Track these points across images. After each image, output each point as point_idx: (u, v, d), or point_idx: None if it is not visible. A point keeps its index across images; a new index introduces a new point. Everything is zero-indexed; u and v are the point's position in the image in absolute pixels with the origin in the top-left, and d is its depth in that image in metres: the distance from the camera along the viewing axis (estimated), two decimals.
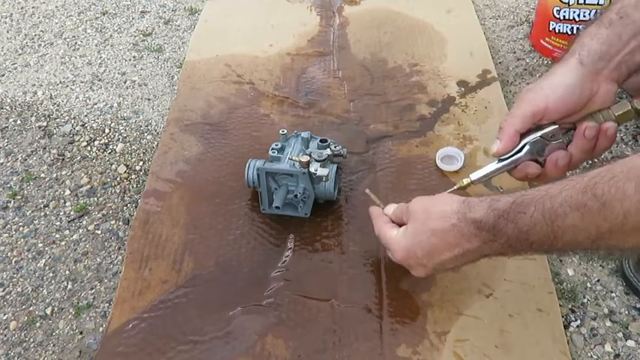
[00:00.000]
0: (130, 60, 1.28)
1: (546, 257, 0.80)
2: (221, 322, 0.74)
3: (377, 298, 0.76)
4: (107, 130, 1.10)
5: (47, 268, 0.87)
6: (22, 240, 0.91)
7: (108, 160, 1.04)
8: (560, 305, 0.75)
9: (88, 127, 1.11)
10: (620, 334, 0.75)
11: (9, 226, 0.94)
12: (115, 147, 1.07)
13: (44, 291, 0.84)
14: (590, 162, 0.97)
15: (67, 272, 0.86)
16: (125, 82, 1.22)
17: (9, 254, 0.89)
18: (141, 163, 1.03)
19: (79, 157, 1.05)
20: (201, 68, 1.17)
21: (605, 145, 0.67)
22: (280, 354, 0.70)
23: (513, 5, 1.39)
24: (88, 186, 0.99)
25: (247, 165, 0.86)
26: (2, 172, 1.03)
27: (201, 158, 0.97)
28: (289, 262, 0.80)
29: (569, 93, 0.65)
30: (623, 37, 0.64)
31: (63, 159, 1.05)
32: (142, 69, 1.25)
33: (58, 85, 1.22)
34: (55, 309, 0.82)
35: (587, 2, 1.12)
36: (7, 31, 1.40)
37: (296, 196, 0.82)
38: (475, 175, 0.71)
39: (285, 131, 0.86)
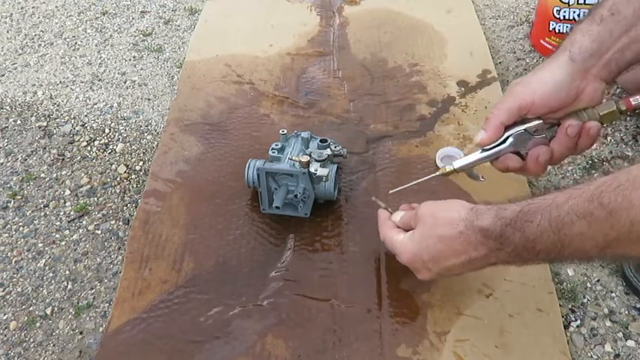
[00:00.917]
0: (130, 60, 1.28)
1: None
2: (221, 322, 0.74)
3: (377, 298, 0.76)
4: (107, 130, 1.10)
5: (47, 268, 0.87)
6: (22, 240, 0.91)
7: (108, 160, 1.04)
8: (560, 305, 0.75)
9: (88, 127, 1.11)
10: (620, 334, 0.75)
11: (9, 226, 0.94)
12: (115, 147, 1.07)
13: (44, 291, 0.84)
14: (590, 162, 0.97)
15: (67, 272, 0.86)
16: (125, 82, 1.22)
17: (9, 254, 0.89)
18: (141, 163, 1.03)
19: (79, 157, 1.05)
20: (201, 68, 1.17)
21: (586, 143, 0.67)
22: (280, 354, 0.70)
23: (513, 5, 1.39)
24: (88, 186, 0.99)
25: (247, 165, 0.86)
26: (2, 172, 1.03)
27: (201, 158, 0.97)
28: (289, 262, 0.80)
29: (557, 89, 0.65)
30: (614, 33, 0.64)
31: (63, 159, 1.05)
32: (142, 69, 1.25)
33: (58, 85, 1.22)
34: (55, 309, 0.82)
35: (587, 2, 1.12)
36: (7, 31, 1.40)
37: (296, 196, 0.82)
38: (458, 164, 0.71)
39: (285, 131, 0.86)
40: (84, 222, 0.93)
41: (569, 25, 1.15)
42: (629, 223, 0.49)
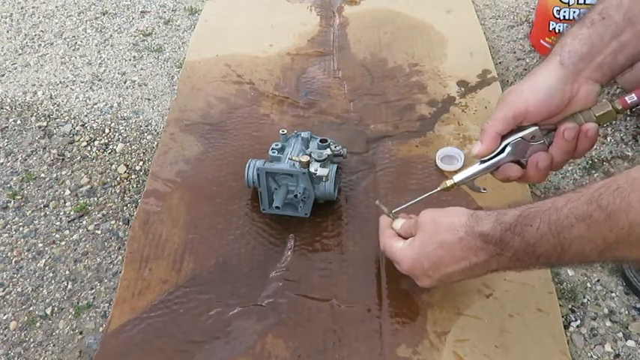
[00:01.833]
0: (130, 60, 1.28)
1: None
2: (221, 322, 0.74)
3: (377, 298, 0.76)
4: (107, 130, 1.10)
5: (47, 268, 0.87)
6: (22, 240, 0.91)
7: (108, 160, 1.04)
8: (560, 305, 0.75)
9: (88, 127, 1.11)
10: (620, 334, 0.75)
11: (9, 226, 0.94)
12: (115, 147, 1.07)
13: (44, 291, 0.84)
14: (590, 162, 0.97)
15: (67, 272, 0.86)
16: (125, 82, 1.22)
17: (9, 254, 0.89)
18: (141, 163, 1.03)
19: (79, 157, 1.05)
20: (201, 68, 1.17)
21: (586, 146, 0.67)
22: (280, 354, 0.70)
23: (513, 5, 1.39)
24: (88, 186, 0.99)
25: (247, 165, 0.86)
26: (2, 172, 1.03)
27: (201, 158, 0.97)
28: (289, 262, 0.80)
29: (550, 95, 0.65)
30: (605, 37, 0.64)
31: (63, 159, 1.05)
32: (142, 69, 1.25)
33: (58, 85, 1.22)
34: (55, 309, 0.82)
35: (587, 2, 1.12)
36: (7, 31, 1.40)
37: (296, 196, 0.82)
38: (458, 177, 0.71)
39: (285, 131, 0.86)
40: (84, 222, 0.93)
41: (568, 26, 1.15)
42: (628, 226, 0.49)
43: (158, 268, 0.80)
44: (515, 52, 1.24)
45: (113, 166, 1.03)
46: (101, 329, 0.78)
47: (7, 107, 1.17)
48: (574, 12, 1.14)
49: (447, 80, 1.11)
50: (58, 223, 0.93)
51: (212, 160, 0.96)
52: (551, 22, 1.16)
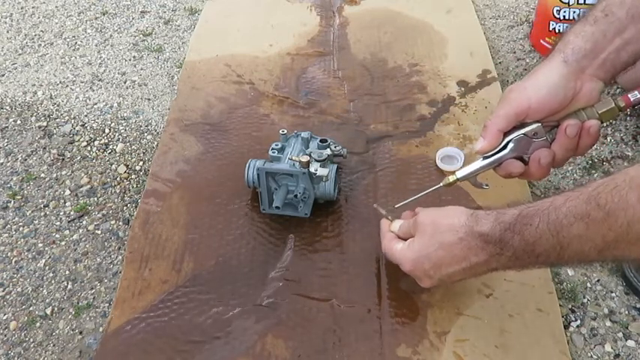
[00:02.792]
0: (130, 60, 1.28)
1: None
2: (221, 322, 0.74)
3: (377, 298, 0.76)
4: (107, 130, 1.10)
5: (47, 268, 0.87)
6: (22, 240, 0.91)
7: (108, 160, 1.04)
8: (560, 305, 0.75)
9: (88, 127, 1.11)
10: (620, 334, 0.75)
11: (9, 226, 0.94)
12: (115, 147, 1.07)
13: (44, 291, 0.84)
14: (590, 162, 0.97)
15: (67, 272, 0.86)
16: (125, 82, 1.22)
17: (9, 254, 0.89)
18: (141, 163, 1.03)
19: (79, 157, 1.05)
20: (201, 68, 1.17)
21: (588, 142, 0.67)
22: (280, 354, 0.70)
23: (513, 5, 1.39)
24: (88, 186, 0.99)
25: (247, 165, 0.86)
26: (2, 172, 1.03)
27: (201, 158, 0.97)
28: (289, 262, 0.80)
29: (553, 93, 0.65)
30: (608, 34, 0.64)
31: (63, 159, 1.05)
32: (142, 69, 1.25)
33: (58, 85, 1.22)
34: (55, 309, 0.82)
35: (587, 2, 1.12)
36: (7, 31, 1.40)
37: (296, 196, 0.82)
38: (461, 173, 0.71)
39: (285, 131, 0.86)
40: (84, 222, 0.93)
41: (569, 25, 1.15)
42: (627, 224, 0.49)
43: (158, 268, 0.80)
44: (515, 52, 1.24)
45: (113, 166, 1.03)
46: (101, 329, 0.78)
47: (7, 107, 1.17)
48: (574, 12, 1.14)
49: (447, 80, 1.11)
50: (58, 223, 0.93)
51: (212, 160, 0.96)
52: (551, 22, 1.16)
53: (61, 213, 0.95)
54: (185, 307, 0.76)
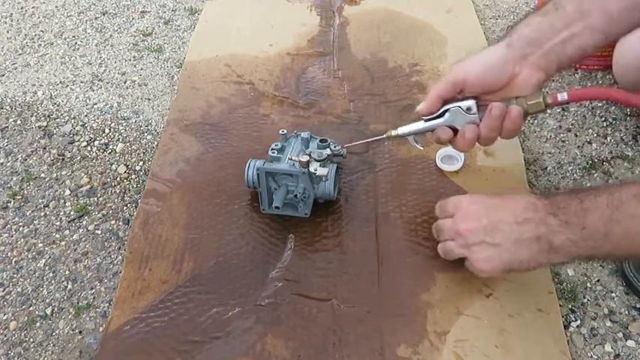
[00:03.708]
0: (130, 60, 1.28)
1: None
2: (221, 322, 0.74)
3: (377, 298, 0.76)
4: (107, 130, 1.10)
5: (47, 268, 0.87)
6: (22, 240, 0.91)
7: (108, 160, 1.04)
8: (560, 305, 0.75)
9: (88, 127, 1.11)
10: (620, 334, 0.75)
11: (9, 226, 0.94)
12: (115, 147, 1.07)
13: (44, 291, 0.84)
14: (590, 162, 0.97)
15: (67, 272, 0.86)
16: (125, 82, 1.22)
17: (9, 254, 0.89)
18: (141, 163, 1.03)
19: (79, 157, 1.05)
20: (201, 68, 1.17)
21: (510, 127, 0.71)
22: (280, 354, 0.70)
23: (513, 5, 1.39)
24: (88, 186, 0.99)
25: (247, 165, 0.86)
26: (2, 172, 1.03)
27: (201, 158, 0.97)
28: (289, 262, 0.80)
29: (488, 70, 0.70)
30: (555, 25, 0.67)
31: (63, 159, 1.05)
32: (142, 69, 1.25)
33: (58, 85, 1.22)
34: (55, 309, 0.82)
35: None
36: (7, 31, 1.40)
37: (296, 196, 0.82)
38: (402, 130, 0.79)
39: (285, 131, 0.86)
40: (84, 222, 0.93)
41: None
42: None
43: (158, 268, 0.80)
44: None
45: (113, 166, 1.03)
46: (101, 329, 0.78)
47: (7, 107, 1.17)
48: None
49: None
50: (58, 223, 0.93)
51: (212, 161, 0.96)
52: None
53: (61, 213, 0.95)
54: (185, 307, 0.76)
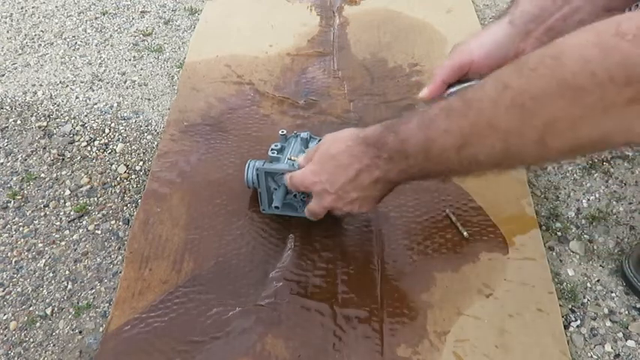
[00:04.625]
0: (130, 60, 1.28)
1: (546, 257, 0.80)
2: (221, 322, 0.74)
3: (377, 298, 0.76)
4: (107, 130, 1.10)
5: (47, 268, 0.87)
6: (22, 240, 0.91)
7: (108, 160, 1.04)
8: (560, 305, 0.75)
9: (88, 127, 1.11)
10: (620, 334, 0.75)
11: (9, 226, 0.94)
12: (115, 147, 1.07)
13: (44, 291, 0.84)
14: (590, 162, 0.97)
15: (67, 272, 0.86)
16: (125, 82, 1.22)
17: (9, 254, 0.89)
18: (141, 163, 1.03)
19: (79, 157, 1.05)
20: (201, 69, 1.17)
21: None
22: (280, 354, 0.70)
23: None
24: (88, 186, 0.99)
25: (247, 165, 0.86)
26: (2, 172, 1.03)
27: (202, 159, 0.97)
28: (289, 262, 0.80)
29: (495, 50, 0.69)
30: (557, 1, 0.67)
31: (63, 159, 1.05)
32: (142, 69, 1.25)
33: (58, 85, 1.22)
34: (55, 309, 0.82)
35: None
36: (7, 31, 1.40)
37: (295, 196, 0.82)
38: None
39: (285, 132, 0.86)
40: (84, 222, 0.93)
41: None
42: (479, 111, 0.52)
43: (158, 268, 0.80)
44: None
45: (113, 166, 1.03)
46: (101, 329, 0.78)
47: (7, 107, 1.17)
48: None
49: None
50: (58, 223, 0.93)
51: (212, 161, 0.96)
52: None
53: (61, 213, 0.95)
54: (185, 307, 0.76)
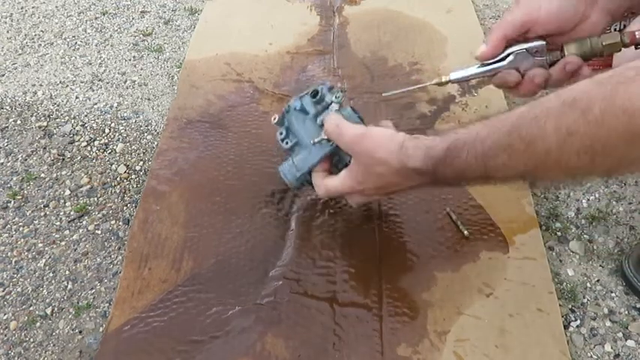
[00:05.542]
0: (130, 60, 1.28)
1: (546, 257, 0.80)
2: (221, 321, 0.74)
3: (377, 297, 0.75)
4: (107, 130, 1.10)
5: (47, 268, 0.87)
6: (22, 240, 0.91)
7: (108, 160, 1.04)
8: (560, 305, 0.75)
9: (88, 127, 1.11)
10: (620, 334, 0.75)
11: (9, 226, 0.94)
12: (115, 147, 1.06)
13: (44, 291, 0.84)
14: None
15: (67, 272, 0.86)
16: (125, 82, 1.22)
17: (9, 254, 0.89)
18: (141, 163, 1.03)
19: (79, 157, 1.05)
20: (201, 67, 1.17)
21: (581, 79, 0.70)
22: (280, 354, 0.70)
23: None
24: (88, 186, 0.99)
25: (284, 174, 0.79)
26: (2, 172, 1.03)
27: (201, 156, 0.97)
28: (289, 261, 0.80)
29: (564, 9, 0.65)
30: None
31: (63, 159, 1.05)
32: (142, 69, 1.25)
33: (58, 85, 1.22)
34: (55, 309, 0.82)
35: None
36: (7, 31, 1.40)
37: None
38: (454, 75, 0.72)
39: (277, 117, 0.80)
40: (84, 222, 0.93)
41: None
42: (544, 152, 0.53)
43: (158, 267, 0.80)
44: None
45: (113, 166, 1.03)
46: (101, 329, 0.78)
47: (7, 107, 1.17)
48: None
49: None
50: (58, 223, 0.93)
51: (211, 159, 0.96)
52: None
53: (61, 213, 0.95)
54: (185, 306, 0.76)
